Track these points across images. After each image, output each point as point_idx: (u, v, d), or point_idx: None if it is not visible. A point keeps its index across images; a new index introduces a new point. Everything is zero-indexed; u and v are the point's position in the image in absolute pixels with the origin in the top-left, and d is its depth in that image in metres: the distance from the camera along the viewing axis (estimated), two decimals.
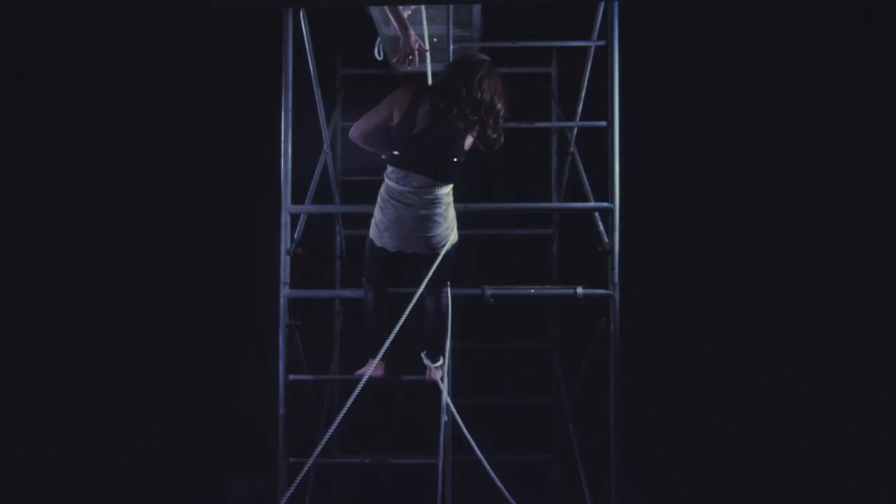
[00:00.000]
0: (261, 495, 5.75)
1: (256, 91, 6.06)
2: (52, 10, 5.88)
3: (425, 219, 3.71)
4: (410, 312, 3.57)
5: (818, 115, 5.84)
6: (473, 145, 3.76)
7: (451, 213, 3.83)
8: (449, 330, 3.95)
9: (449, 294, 3.94)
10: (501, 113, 3.68)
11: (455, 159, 3.70)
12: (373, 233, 3.84)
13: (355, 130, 3.77)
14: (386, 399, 6.16)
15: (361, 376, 4.14)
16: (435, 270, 3.73)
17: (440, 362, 3.98)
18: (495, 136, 3.71)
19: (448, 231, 3.81)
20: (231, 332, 6.29)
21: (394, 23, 3.93)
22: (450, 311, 3.95)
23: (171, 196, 6.21)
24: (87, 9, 5.88)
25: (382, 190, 3.76)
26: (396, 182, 3.70)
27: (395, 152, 3.69)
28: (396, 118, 3.68)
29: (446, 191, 3.76)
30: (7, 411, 5.60)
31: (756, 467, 5.76)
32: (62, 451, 5.65)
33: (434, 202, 3.71)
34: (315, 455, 3.22)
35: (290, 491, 3.16)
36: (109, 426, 5.73)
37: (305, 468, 3.18)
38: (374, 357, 4.13)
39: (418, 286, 3.73)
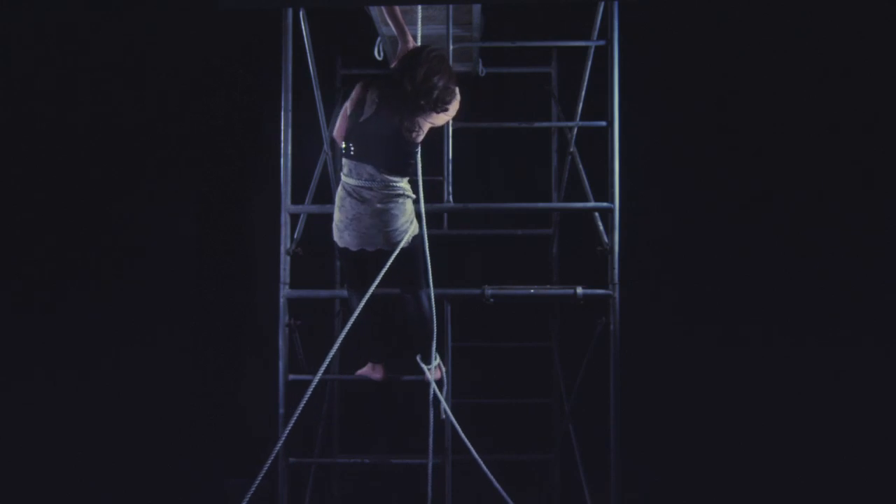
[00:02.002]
0: (261, 495, 5.73)
1: (256, 91, 6.07)
2: (52, 9, 5.88)
3: (382, 213, 3.65)
4: (398, 314, 3.55)
5: (819, 114, 5.84)
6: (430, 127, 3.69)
7: (409, 207, 3.75)
8: (434, 332, 3.89)
9: (431, 294, 3.83)
10: (439, 86, 3.54)
11: (404, 149, 3.62)
12: (334, 234, 3.79)
13: (336, 131, 3.77)
14: (386, 400, 6.16)
15: (362, 377, 4.16)
16: (402, 268, 3.69)
17: (434, 364, 3.95)
18: (446, 109, 3.62)
19: (406, 224, 3.72)
20: (231, 332, 6.29)
21: (391, 26, 3.93)
22: (433, 312, 3.86)
23: (170, 196, 6.21)
24: (87, 8, 5.88)
25: (339, 188, 3.74)
26: (349, 175, 3.68)
27: (347, 144, 3.67)
28: (349, 112, 3.69)
29: (402, 183, 3.69)
30: (6, 412, 5.60)
31: (756, 467, 5.76)
32: (62, 452, 5.65)
33: (390, 196, 3.65)
34: (273, 456, 3.20)
35: (253, 488, 3.14)
36: (109, 426, 5.73)
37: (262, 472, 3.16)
38: (373, 360, 4.12)
39: (391, 286, 3.72)
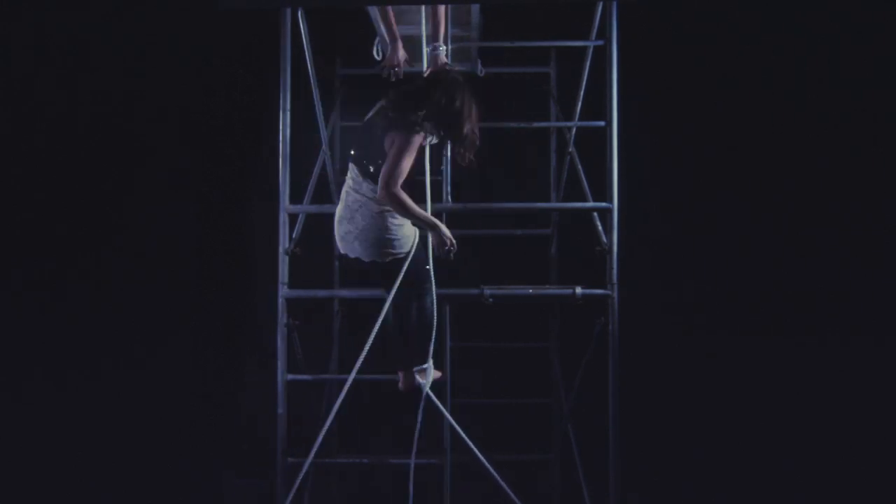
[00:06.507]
0: (261, 495, 5.75)
1: (256, 91, 6.07)
2: (51, 9, 5.89)
3: (353, 219, 3.64)
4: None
5: (818, 114, 5.84)
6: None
7: (395, 226, 3.63)
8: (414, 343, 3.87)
9: (414, 309, 3.78)
10: (466, 131, 3.57)
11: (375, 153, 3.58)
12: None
13: None
14: (386, 400, 6.15)
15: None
16: (386, 281, 3.67)
17: (423, 366, 3.90)
18: (463, 150, 3.63)
19: (391, 241, 3.63)
20: (231, 332, 6.30)
21: (384, 33, 3.92)
22: (430, 320, 3.82)
23: (170, 196, 6.21)
24: (87, 9, 5.89)
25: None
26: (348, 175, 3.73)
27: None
28: None
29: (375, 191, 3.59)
30: (6, 412, 5.61)
31: (756, 467, 5.76)
32: (62, 452, 5.66)
33: (363, 201, 3.61)
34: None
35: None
36: (109, 426, 5.74)
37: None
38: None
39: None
